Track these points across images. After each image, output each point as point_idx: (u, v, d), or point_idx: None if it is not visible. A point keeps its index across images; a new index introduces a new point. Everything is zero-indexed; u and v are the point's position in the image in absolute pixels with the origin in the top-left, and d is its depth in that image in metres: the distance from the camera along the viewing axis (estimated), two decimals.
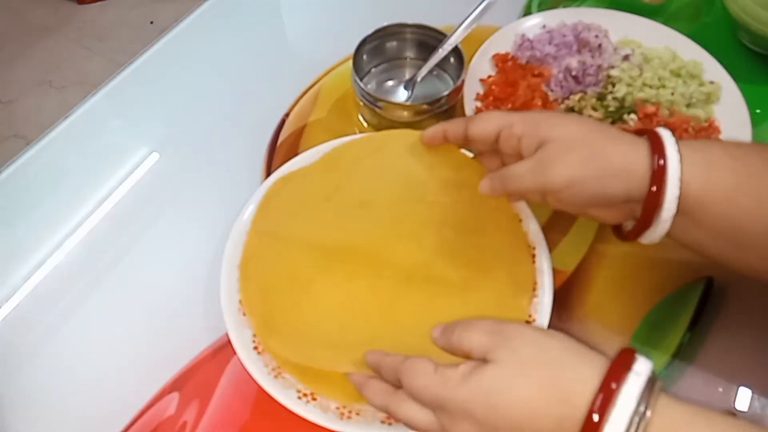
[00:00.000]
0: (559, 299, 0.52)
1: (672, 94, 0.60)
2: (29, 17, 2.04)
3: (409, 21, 0.63)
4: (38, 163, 0.62)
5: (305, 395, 0.44)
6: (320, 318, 0.47)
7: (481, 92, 0.62)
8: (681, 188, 0.37)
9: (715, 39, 0.67)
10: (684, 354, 0.49)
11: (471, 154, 0.52)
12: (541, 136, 0.40)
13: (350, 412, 0.44)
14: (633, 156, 0.38)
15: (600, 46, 0.64)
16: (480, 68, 0.64)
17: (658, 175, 0.37)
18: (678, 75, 0.62)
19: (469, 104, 0.60)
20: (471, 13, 0.60)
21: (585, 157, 0.39)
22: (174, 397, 0.48)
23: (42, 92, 1.83)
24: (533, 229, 0.50)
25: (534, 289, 0.48)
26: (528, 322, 0.46)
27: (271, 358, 0.46)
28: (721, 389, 0.47)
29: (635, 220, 0.41)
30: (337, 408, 0.44)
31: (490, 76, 0.63)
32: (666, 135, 0.39)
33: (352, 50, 0.60)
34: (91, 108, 0.66)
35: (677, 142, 0.38)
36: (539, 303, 0.47)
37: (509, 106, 0.60)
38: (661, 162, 0.37)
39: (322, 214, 0.51)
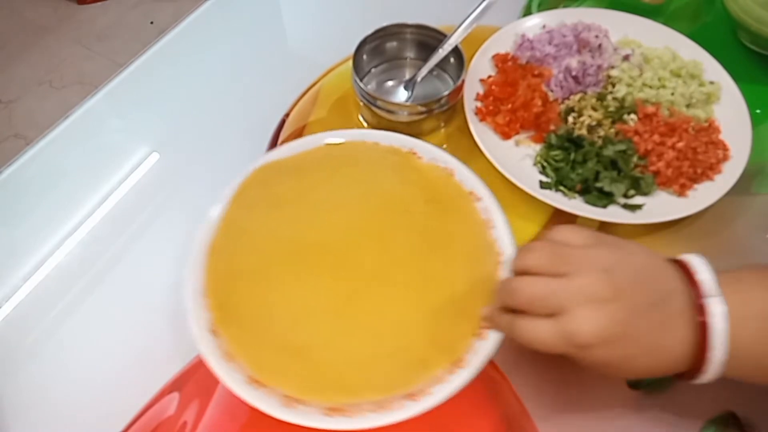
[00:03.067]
0: None
1: (672, 94, 0.60)
2: (29, 17, 2.04)
3: (409, 21, 0.63)
4: (38, 163, 0.62)
5: (255, 381, 0.44)
6: (276, 310, 0.47)
7: (481, 92, 0.62)
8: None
9: (715, 39, 0.67)
10: None
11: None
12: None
13: (296, 402, 0.44)
14: (679, 345, 0.38)
15: (600, 46, 0.64)
16: (480, 68, 0.64)
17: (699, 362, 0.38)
18: (678, 75, 0.62)
19: (469, 104, 0.60)
20: (471, 13, 0.60)
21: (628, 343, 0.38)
22: (174, 397, 0.48)
23: (42, 92, 1.83)
24: (503, 235, 0.50)
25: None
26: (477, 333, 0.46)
27: (226, 341, 0.46)
28: (721, 389, 0.47)
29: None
30: (285, 396, 0.44)
31: (490, 76, 0.63)
32: (716, 322, 0.37)
33: (352, 50, 0.60)
34: (91, 108, 0.66)
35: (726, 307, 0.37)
36: None
37: (509, 106, 0.60)
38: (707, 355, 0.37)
39: (294, 210, 0.52)
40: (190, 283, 0.48)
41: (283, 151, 0.56)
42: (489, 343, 0.45)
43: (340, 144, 0.56)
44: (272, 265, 0.49)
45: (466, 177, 0.53)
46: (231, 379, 0.44)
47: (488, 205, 0.52)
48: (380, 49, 0.64)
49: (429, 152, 0.55)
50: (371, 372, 0.45)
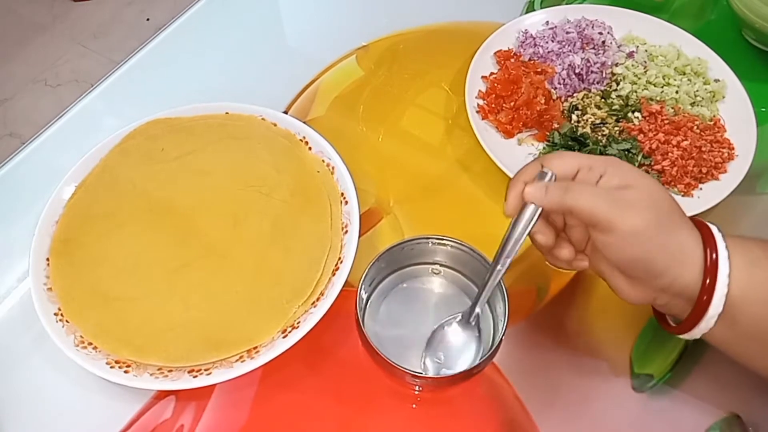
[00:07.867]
0: (563, 301, 0.51)
1: (677, 92, 0.59)
2: (24, 14, 2.02)
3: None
4: (33, 162, 0.61)
5: (60, 315, 0.47)
6: (108, 256, 0.50)
7: (483, 90, 0.61)
8: (728, 285, 0.37)
9: (720, 37, 0.67)
10: (688, 356, 0.48)
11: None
12: (628, 179, 0.39)
13: (89, 344, 0.46)
14: (692, 244, 0.38)
15: (604, 43, 0.63)
16: (482, 65, 0.63)
17: (711, 270, 0.37)
18: (683, 73, 0.61)
19: (471, 102, 0.60)
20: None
21: (661, 222, 0.38)
22: (170, 400, 0.47)
23: (37, 90, 1.82)
24: (351, 241, 0.49)
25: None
26: (285, 331, 0.46)
27: (52, 271, 0.48)
28: (725, 391, 0.46)
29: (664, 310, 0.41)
30: (80, 336, 0.46)
31: (492, 74, 0.62)
32: (715, 229, 0.38)
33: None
34: (87, 106, 0.65)
35: (725, 237, 0.38)
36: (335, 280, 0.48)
37: (511, 103, 0.59)
38: (714, 256, 0.37)
39: (166, 168, 0.54)
40: (47, 213, 0.51)
41: (182, 110, 0.57)
42: (291, 340, 0.45)
43: (238, 115, 0.58)
44: (124, 214, 0.52)
45: (343, 177, 0.53)
46: (42, 310, 0.46)
47: (351, 209, 0.52)
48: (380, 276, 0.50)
49: (318, 144, 0.56)
50: (165, 340, 0.46)
